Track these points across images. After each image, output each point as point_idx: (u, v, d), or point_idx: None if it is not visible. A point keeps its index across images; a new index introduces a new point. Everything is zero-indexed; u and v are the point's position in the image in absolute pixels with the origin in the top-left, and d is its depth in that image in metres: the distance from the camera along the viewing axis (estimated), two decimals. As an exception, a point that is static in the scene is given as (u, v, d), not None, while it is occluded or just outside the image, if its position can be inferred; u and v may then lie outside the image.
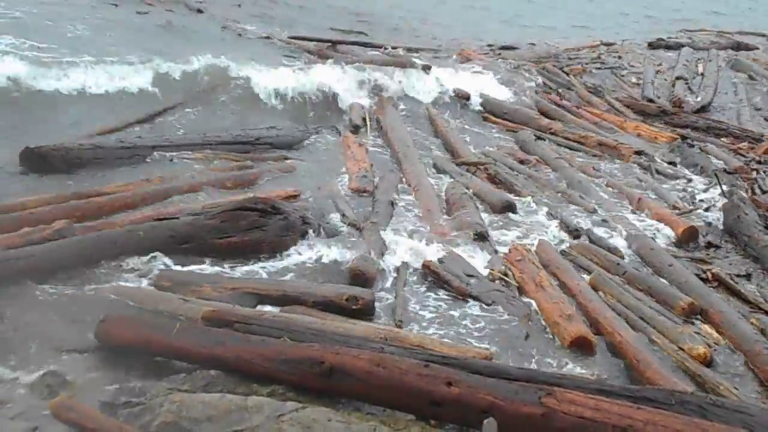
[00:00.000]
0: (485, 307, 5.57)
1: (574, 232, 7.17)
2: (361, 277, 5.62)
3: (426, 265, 6.04)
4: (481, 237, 6.67)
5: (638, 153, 9.99)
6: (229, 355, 4.16)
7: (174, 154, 7.92)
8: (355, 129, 10.12)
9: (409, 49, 15.53)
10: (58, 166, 7.09)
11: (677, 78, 14.75)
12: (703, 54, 17.67)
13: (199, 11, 16.79)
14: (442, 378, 3.78)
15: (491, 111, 11.80)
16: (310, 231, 6.26)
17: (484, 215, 7.43)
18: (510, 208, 7.63)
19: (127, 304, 4.96)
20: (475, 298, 5.65)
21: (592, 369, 4.96)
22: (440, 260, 6.09)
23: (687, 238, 7.34)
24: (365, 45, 15.77)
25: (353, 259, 5.81)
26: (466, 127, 11.35)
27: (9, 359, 4.33)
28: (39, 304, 4.91)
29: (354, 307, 5.16)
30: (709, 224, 7.84)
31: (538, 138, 10.58)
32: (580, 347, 5.15)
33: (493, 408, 3.63)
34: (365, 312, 5.23)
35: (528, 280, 5.98)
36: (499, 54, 16.04)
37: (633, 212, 8.03)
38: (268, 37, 15.49)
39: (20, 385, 4.15)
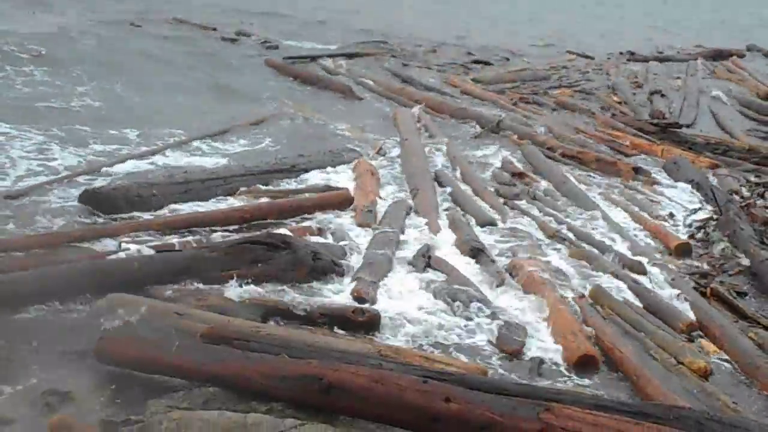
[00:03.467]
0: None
1: None
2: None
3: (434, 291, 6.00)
4: (478, 252, 6.74)
5: (636, 170, 9.95)
6: (227, 373, 4.17)
7: None
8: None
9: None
10: (119, 205, 7.16)
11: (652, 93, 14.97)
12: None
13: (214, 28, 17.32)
14: (440, 394, 3.78)
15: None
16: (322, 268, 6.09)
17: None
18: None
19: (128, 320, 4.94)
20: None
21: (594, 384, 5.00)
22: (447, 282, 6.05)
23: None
24: (343, 56, 16.05)
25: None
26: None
27: (8, 377, 4.34)
28: (36, 322, 4.92)
29: (360, 319, 5.23)
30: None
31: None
32: (586, 364, 5.17)
33: (491, 424, 3.63)
34: (371, 326, 5.29)
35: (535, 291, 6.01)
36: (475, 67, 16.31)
37: None
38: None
39: (19, 403, 4.15)
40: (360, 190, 8.38)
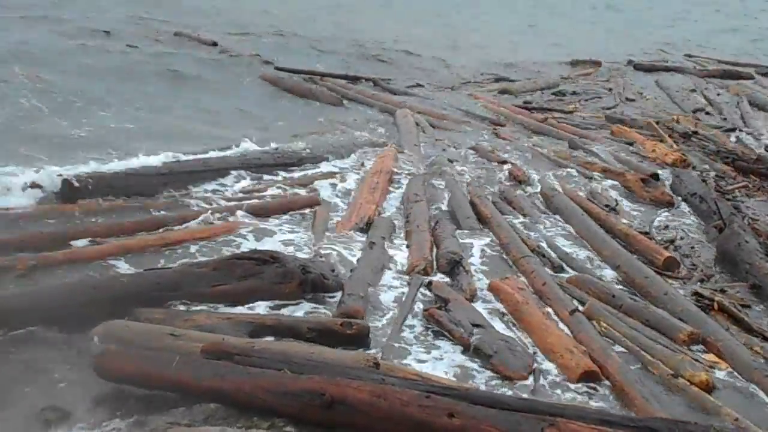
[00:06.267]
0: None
1: None
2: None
3: (431, 314, 5.82)
4: (454, 264, 6.66)
5: (643, 180, 9.88)
6: (229, 388, 4.15)
7: None
8: None
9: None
10: (90, 194, 7.16)
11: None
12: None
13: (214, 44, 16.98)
14: (443, 409, 3.76)
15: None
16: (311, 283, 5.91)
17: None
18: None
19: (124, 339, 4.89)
20: (476, 349, 5.31)
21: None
22: (446, 309, 5.85)
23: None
24: (349, 78, 15.59)
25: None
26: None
27: (7, 394, 4.32)
28: (36, 340, 4.90)
29: (349, 332, 5.17)
30: None
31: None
32: (588, 380, 5.08)
33: (495, 439, 3.61)
34: (360, 338, 5.23)
35: (524, 314, 5.93)
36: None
37: None
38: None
39: (18, 421, 4.13)
40: (361, 198, 8.06)
